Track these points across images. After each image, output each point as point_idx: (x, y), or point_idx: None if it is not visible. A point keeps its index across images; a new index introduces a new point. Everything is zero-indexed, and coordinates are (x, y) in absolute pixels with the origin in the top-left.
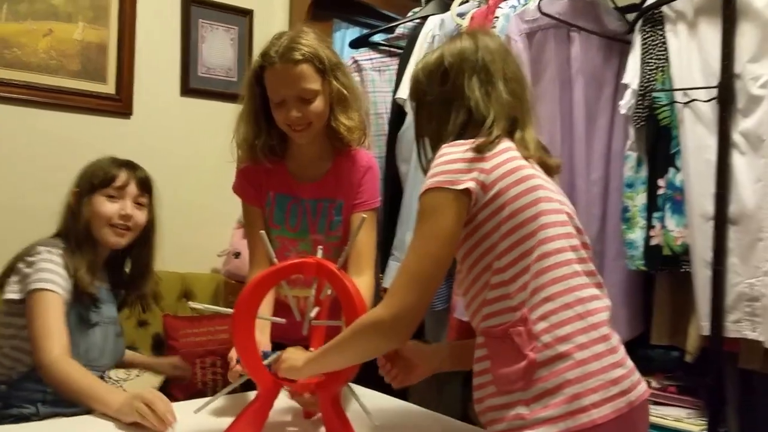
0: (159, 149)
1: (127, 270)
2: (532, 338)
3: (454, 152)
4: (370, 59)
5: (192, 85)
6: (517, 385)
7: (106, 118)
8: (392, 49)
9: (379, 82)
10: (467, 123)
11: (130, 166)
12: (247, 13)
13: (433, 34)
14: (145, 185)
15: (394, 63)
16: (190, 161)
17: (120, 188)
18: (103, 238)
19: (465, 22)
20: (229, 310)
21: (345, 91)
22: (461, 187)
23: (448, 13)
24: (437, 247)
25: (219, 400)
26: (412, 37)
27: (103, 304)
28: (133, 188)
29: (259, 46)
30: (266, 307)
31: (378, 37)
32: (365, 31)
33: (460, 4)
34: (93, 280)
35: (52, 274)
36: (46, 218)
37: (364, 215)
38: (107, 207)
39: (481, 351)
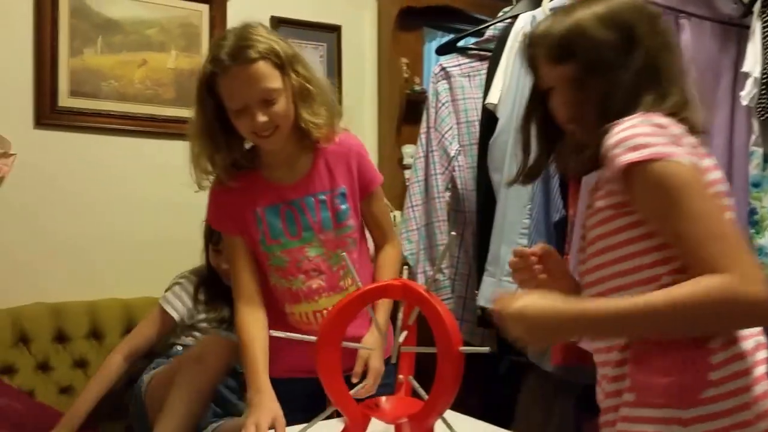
0: None
1: None
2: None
3: (664, 124)
4: (459, 65)
5: None
6: (672, 400)
7: None
8: (482, 53)
9: (468, 89)
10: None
11: None
12: (335, 29)
13: (525, 31)
14: None
15: (484, 67)
16: None
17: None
18: None
19: None
20: (312, 338)
21: (307, 85)
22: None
23: (539, 9)
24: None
25: (313, 428)
26: (502, 37)
27: None
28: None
29: (348, 61)
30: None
31: (466, 42)
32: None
33: None
34: None
35: None
36: (153, 242)
37: (453, 233)
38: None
39: (620, 354)
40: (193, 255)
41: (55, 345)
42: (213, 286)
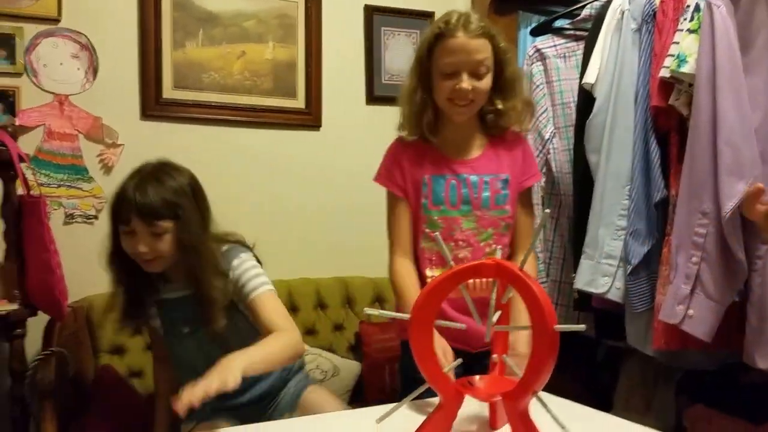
0: (348, 157)
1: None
2: None
3: None
4: (554, 46)
5: (377, 93)
6: None
7: (297, 132)
8: (578, 33)
9: (564, 70)
10: None
11: (133, 200)
12: (428, 16)
13: (623, 9)
14: (150, 214)
15: (580, 48)
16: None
17: (129, 232)
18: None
19: None
20: (406, 315)
21: (511, 77)
22: None
23: None
24: None
25: (403, 408)
26: (599, 16)
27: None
28: (139, 226)
29: None
30: None
31: (561, 22)
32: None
33: None
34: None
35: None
36: (255, 228)
37: (547, 210)
38: (126, 245)
39: None
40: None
41: None
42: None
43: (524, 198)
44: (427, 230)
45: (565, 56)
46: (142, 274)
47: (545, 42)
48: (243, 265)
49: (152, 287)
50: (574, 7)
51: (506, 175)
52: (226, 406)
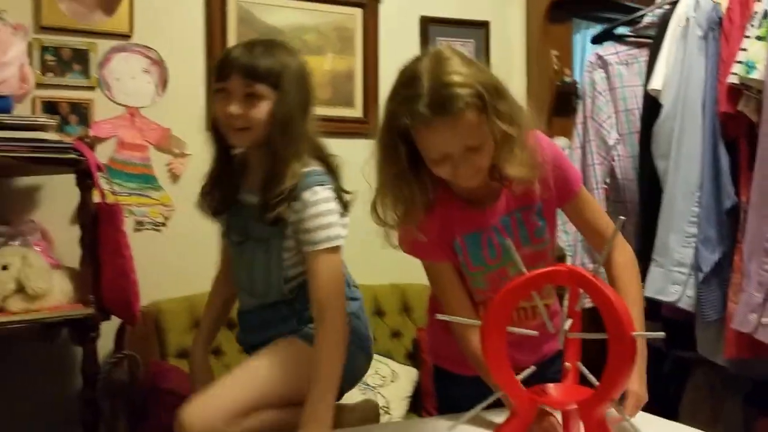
0: None
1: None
2: None
3: None
4: (616, 53)
5: None
6: None
7: (355, 140)
8: (640, 40)
9: (627, 76)
10: None
11: (237, 57)
12: (483, 25)
13: (688, 16)
14: (251, 72)
15: (643, 54)
16: None
17: (225, 91)
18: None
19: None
20: (477, 322)
21: (509, 129)
22: None
23: None
24: None
25: (474, 417)
26: (663, 23)
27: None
28: (237, 83)
29: (497, 57)
30: None
31: (623, 29)
32: (603, 27)
33: None
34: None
35: None
36: None
37: (622, 217)
38: (220, 107)
39: None
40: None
41: None
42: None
43: (575, 205)
44: (475, 288)
45: (627, 63)
46: (230, 161)
47: (607, 49)
48: (315, 206)
49: (234, 180)
50: (635, 14)
51: (539, 203)
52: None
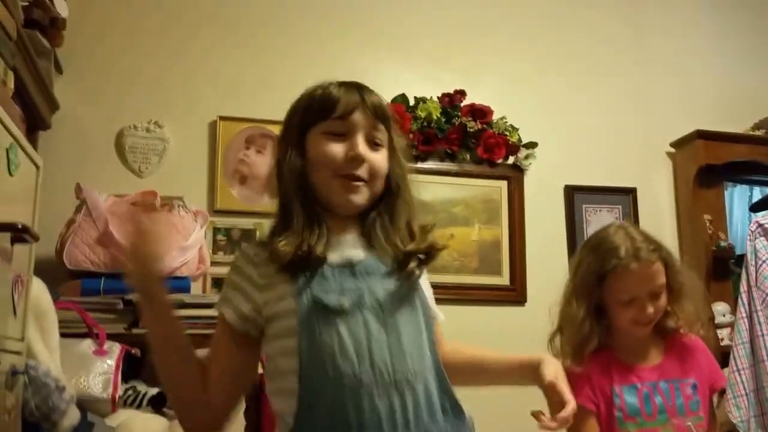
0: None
1: None
2: None
3: None
4: None
5: None
6: None
7: (502, 307)
8: None
9: None
10: None
11: (355, 90)
12: (629, 192)
13: None
14: (378, 112)
15: None
16: None
17: (338, 134)
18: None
19: None
20: None
21: (681, 284)
22: None
23: None
24: None
25: None
26: None
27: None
28: (363, 122)
29: (645, 223)
30: None
31: None
32: (755, 189)
33: None
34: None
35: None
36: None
37: None
38: (332, 149)
39: None
40: None
41: None
42: None
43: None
44: None
45: None
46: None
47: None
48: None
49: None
50: None
51: (694, 379)
52: None
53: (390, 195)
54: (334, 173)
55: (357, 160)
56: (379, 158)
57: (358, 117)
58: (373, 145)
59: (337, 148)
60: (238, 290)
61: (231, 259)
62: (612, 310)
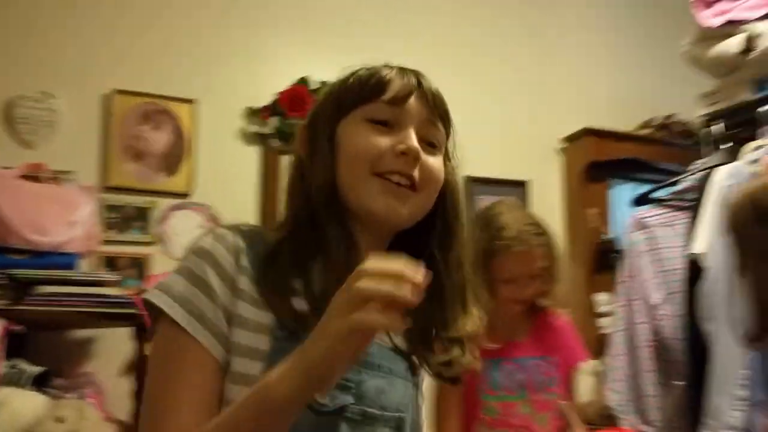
0: None
1: None
2: None
3: None
4: (657, 215)
5: None
6: None
7: None
8: (680, 203)
9: (668, 238)
10: None
11: (412, 74)
12: (522, 185)
13: (726, 184)
14: (436, 101)
15: (683, 217)
16: None
17: (382, 123)
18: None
19: (761, 169)
20: None
21: (553, 266)
22: None
23: (739, 162)
24: None
25: None
26: (701, 187)
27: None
28: (417, 111)
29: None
30: None
31: (661, 192)
32: (638, 186)
33: (753, 150)
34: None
35: None
36: None
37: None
38: (373, 140)
39: None
40: None
41: None
42: None
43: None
44: (485, 416)
45: (667, 225)
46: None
47: (647, 212)
48: None
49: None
50: (675, 179)
51: (556, 358)
52: None
53: (444, 226)
54: (372, 170)
55: (410, 154)
56: (437, 163)
57: (412, 105)
58: (428, 146)
59: (381, 139)
60: (204, 291)
61: (122, 238)
62: (493, 285)
